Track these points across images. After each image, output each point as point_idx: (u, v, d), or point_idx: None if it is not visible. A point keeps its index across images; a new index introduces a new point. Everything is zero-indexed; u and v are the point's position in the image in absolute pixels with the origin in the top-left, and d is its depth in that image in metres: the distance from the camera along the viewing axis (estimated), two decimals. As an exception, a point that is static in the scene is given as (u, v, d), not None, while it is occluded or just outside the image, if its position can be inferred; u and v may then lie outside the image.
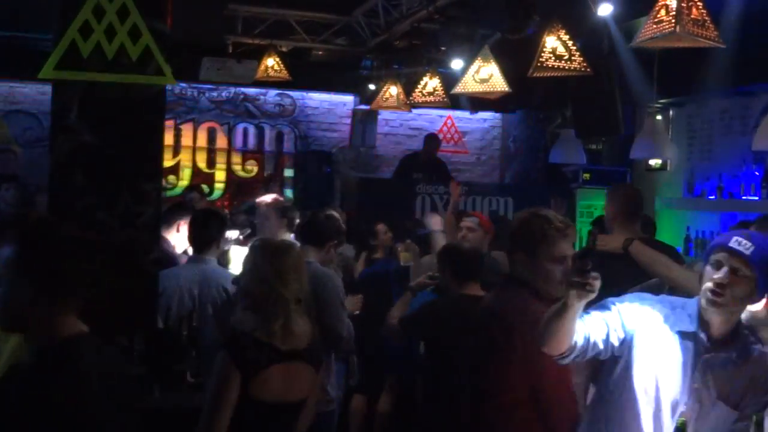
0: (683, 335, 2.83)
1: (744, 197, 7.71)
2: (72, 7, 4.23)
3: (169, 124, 10.93)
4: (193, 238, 5.02)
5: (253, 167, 11.88)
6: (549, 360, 2.82)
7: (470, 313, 4.24)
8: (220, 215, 5.36)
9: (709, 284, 2.76)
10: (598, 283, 2.53)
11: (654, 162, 9.45)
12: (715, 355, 2.82)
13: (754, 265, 2.70)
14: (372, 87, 9.85)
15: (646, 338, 2.84)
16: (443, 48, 8.16)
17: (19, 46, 9.06)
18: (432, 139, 10.80)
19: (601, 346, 2.82)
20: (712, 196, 8.16)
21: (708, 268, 2.80)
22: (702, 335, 2.81)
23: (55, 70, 4.24)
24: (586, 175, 9.77)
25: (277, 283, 3.25)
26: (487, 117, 12.54)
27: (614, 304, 2.90)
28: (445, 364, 4.26)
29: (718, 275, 2.73)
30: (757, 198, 7.53)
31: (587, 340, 2.77)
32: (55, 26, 4.27)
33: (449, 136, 12.47)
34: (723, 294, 2.72)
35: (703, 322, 2.82)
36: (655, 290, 4.35)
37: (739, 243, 2.72)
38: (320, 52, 9.76)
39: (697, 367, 2.81)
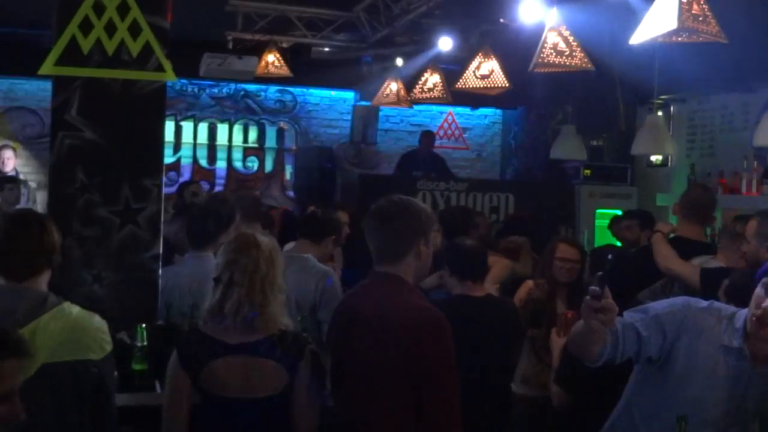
0: (727, 349, 2.75)
1: (745, 193, 7.71)
2: (72, 3, 4.23)
3: (170, 120, 10.93)
4: (191, 235, 5.02)
5: (253, 163, 11.88)
6: None
7: (466, 315, 4.24)
8: (218, 212, 5.35)
9: (756, 311, 2.68)
10: (612, 315, 2.54)
11: (655, 158, 9.46)
12: (758, 373, 2.74)
13: None
14: (372, 82, 9.85)
15: (687, 348, 2.77)
16: (443, 44, 8.14)
17: (20, 43, 9.04)
18: (427, 135, 10.81)
19: (631, 353, 2.81)
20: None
21: (759, 290, 2.70)
22: (747, 352, 2.73)
23: (55, 66, 4.24)
24: (587, 172, 9.77)
25: (225, 276, 3.22)
26: (488, 113, 12.53)
27: (655, 309, 2.84)
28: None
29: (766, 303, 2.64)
30: (757, 194, 7.53)
31: (615, 347, 2.76)
32: (55, 22, 4.26)
33: (450, 132, 12.46)
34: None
35: (752, 343, 2.73)
36: (660, 293, 4.40)
37: None
38: (321, 48, 9.74)
39: (739, 383, 2.74)
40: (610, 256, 2.40)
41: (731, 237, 4.53)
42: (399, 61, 7.90)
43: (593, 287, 2.54)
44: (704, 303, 2.88)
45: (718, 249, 4.69)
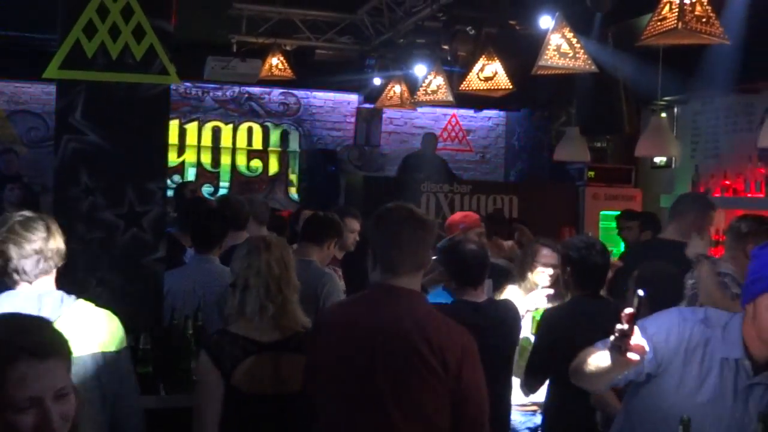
0: (726, 361, 2.69)
1: (749, 195, 7.70)
2: (76, 7, 4.23)
3: (174, 123, 10.94)
4: (195, 237, 5.03)
5: (257, 166, 11.89)
6: None
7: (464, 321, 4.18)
8: (221, 214, 5.37)
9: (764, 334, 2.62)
10: (637, 357, 2.44)
11: (659, 160, 9.46)
12: (759, 382, 2.68)
13: None
14: (376, 85, 9.86)
15: (684, 364, 2.72)
16: (447, 46, 8.15)
17: (24, 46, 9.06)
18: (429, 138, 10.81)
19: (632, 375, 2.78)
20: (717, 193, 8.14)
21: (765, 313, 2.62)
22: (746, 362, 2.67)
23: (59, 69, 4.24)
24: (591, 173, 9.77)
25: (241, 281, 3.32)
26: (492, 115, 12.54)
27: (649, 325, 2.76)
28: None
29: None
30: (762, 195, 7.52)
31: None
32: (60, 26, 4.27)
33: (453, 134, 12.47)
34: None
35: (746, 348, 2.68)
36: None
37: None
38: (324, 51, 9.76)
39: (738, 395, 2.68)
40: (641, 293, 2.29)
41: (736, 237, 4.50)
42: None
43: (622, 327, 2.40)
44: (699, 313, 2.82)
45: (724, 249, 4.66)
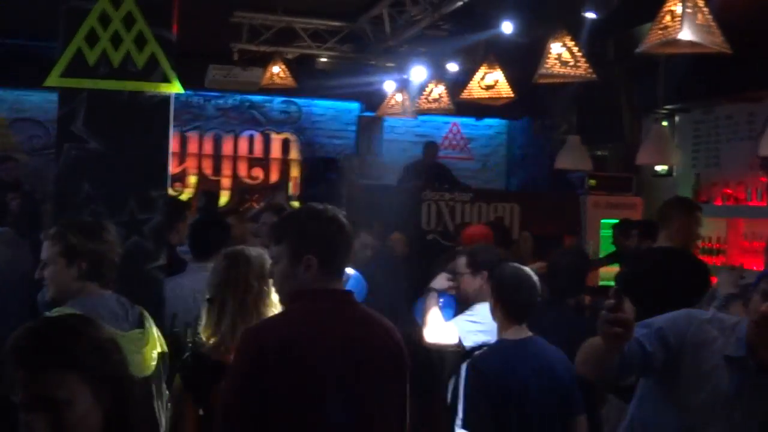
0: (731, 360, 2.70)
1: (750, 203, 7.70)
2: (78, 15, 4.24)
3: (175, 131, 10.95)
4: (193, 246, 5.03)
5: (258, 174, 11.90)
6: None
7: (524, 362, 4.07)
8: (220, 222, 5.38)
9: (754, 317, 2.65)
10: (630, 328, 2.47)
11: (660, 168, 9.45)
12: (763, 382, 2.69)
13: None
14: (377, 93, 9.87)
15: (691, 360, 2.74)
16: (448, 55, 8.17)
17: (26, 54, 9.08)
18: (430, 146, 10.82)
19: (638, 370, 2.80)
20: (718, 202, 8.14)
21: (756, 296, 2.68)
22: (751, 362, 2.68)
23: (61, 77, 4.25)
24: (592, 182, 9.76)
25: (217, 296, 3.20)
26: (493, 123, 12.55)
27: (659, 323, 2.80)
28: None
29: (764, 306, 2.60)
30: (763, 204, 7.51)
31: (623, 364, 2.73)
32: (61, 34, 4.27)
33: (455, 142, 12.48)
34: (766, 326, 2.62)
35: (755, 350, 2.68)
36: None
37: None
38: (326, 59, 9.77)
39: (742, 394, 2.69)
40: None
41: None
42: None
43: (609, 301, 2.49)
44: (707, 314, 2.85)
45: (765, 264, 4.54)
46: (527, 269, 3.92)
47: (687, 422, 2.72)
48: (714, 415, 2.70)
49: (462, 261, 4.60)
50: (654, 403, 2.85)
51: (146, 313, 3.31)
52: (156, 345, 3.25)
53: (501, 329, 3.79)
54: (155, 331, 3.29)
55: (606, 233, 9.28)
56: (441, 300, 4.69)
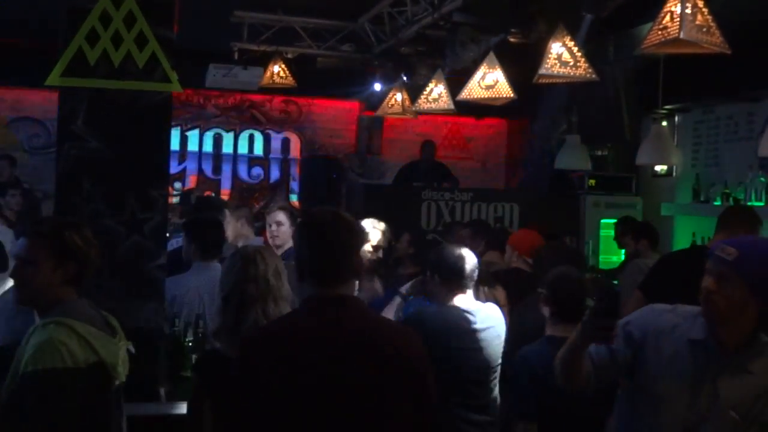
0: (694, 343, 2.79)
1: (749, 203, 7.70)
2: (79, 15, 4.25)
3: (175, 130, 10.96)
4: (200, 247, 5.05)
5: (258, 174, 11.91)
6: None
7: (456, 326, 4.18)
8: (218, 221, 5.40)
9: (701, 295, 2.79)
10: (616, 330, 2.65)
11: (660, 168, 9.46)
12: (726, 363, 2.77)
13: (738, 270, 2.71)
14: (377, 92, 9.87)
15: (655, 349, 2.83)
16: (448, 54, 8.16)
17: (27, 54, 9.08)
18: (428, 146, 10.82)
19: (610, 371, 2.90)
20: (717, 202, 8.14)
21: (705, 277, 2.82)
22: (713, 343, 2.77)
23: (61, 77, 4.25)
24: (592, 182, 9.76)
25: (235, 295, 3.18)
26: (493, 123, 12.55)
27: (625, 319, 2.91)
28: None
29: (705, 283, 2.76)
30: (762, 204, 7.51)
31: (595, 368, 2.86)
32: (62, 34, 4.28)
33: (454, 142, 12.48)
34: (711, 300, 2.74)
35: (714, 331, 2.78)
36: None
37: (722, 250, 2.75)
38: (326, 59, 9.78)
39: (707, 376, 2.76)
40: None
41: None
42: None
43: (598, 305, 2.61)
44: (670, 306, 2.97)
45: None
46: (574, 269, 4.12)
47: (655, 408, 2.80)
48: (681, 398, 2.77)
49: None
50: (629, 403, 2.93)
51: (114, 321, 3.14)
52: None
53: (548, 327, 3.94)
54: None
55: (605, 233, 9.29)
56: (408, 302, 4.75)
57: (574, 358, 2.81)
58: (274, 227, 6.02)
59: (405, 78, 8.91)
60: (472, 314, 4.21)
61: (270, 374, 2.53)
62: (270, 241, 6.05)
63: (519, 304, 4.78)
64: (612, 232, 8.55)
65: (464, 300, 4.26)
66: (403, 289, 4.83)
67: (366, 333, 2.62)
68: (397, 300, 4.78)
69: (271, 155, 11.94)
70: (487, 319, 4.28)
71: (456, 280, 4.26)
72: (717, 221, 5.35)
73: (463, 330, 4.15)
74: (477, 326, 4.20)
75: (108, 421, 2.94)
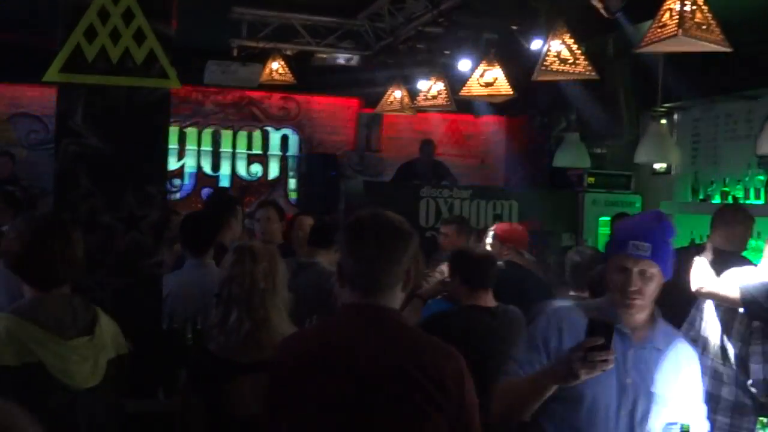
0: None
1: (748, 201, 7.70)
2: (77, 11, 4.24)
3: (174, 127, 10.94)
4: (187, 243, 5.03)
5: (257, 171, 11.90)
6: None
7: (481, 326, 4.18)
8: (210, 217, 5.39)
9: (623, 293, 2.81)
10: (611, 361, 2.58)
11: (658, 166, 9.45)
12: (641, 347, 2.84)
13: (656, 260, 2.80)
14: (376, 90, 9.86)
15: (555, 348, 2.82)
16: (448, 51, 8.15)
17: (24, 49, 9.06)
18: (427, 144, 10.81)
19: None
20: (716, 200, 8.14)
21: (614, 274, 2.84)
22: (625, 330, 2.82)
23: (60, 73, 4.24)
24: (591, 179, 9.77)
25: (225, 292, 3.14)
26: (492, 121, 12.54)
27: (538, 334, 2.90)
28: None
29: (632, 287, 2.78)
30: (761, 202, 7.52)
31: None
32: (60, 29, 4.27)
33: (453, 139, 12.47)
34: (638, 298, 2.80)
35: (622, 319, 2.84)
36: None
37: (637, 248, 2.78)
38: (325, 56, 9.76)
39: (626, 362, 2.80)
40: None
41: None
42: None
43: (593, 341, 2.55)
44: (571, 305, 3.05)
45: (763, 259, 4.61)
46: None
47: (586, 396, 2.78)
48: (607, 390, 2.76)
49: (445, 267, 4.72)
50: (555, 401, 2.87)
51: (102, 317, 3.06)
52: (109, 351, 3.01)
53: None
54: (108, 336, 3.03)
55: (604, 231, 9.29)
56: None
57: (538, 395, 2.73)
58: (263, 224, 6.04)
59: (404, 75, 8.90)
60: (494, 314, 4.23)
61: (285, 381, 2.47)
62: (259, 237, 6.07)
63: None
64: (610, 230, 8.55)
65: (486, 300, 4.28)
66: (423, 290, 4.87)
67: (393, 349, 2.43)
68: (417, 302, 4.80)
69: (270, 152, 11.93)
70: (510, 319, 4.29)
71: (477, 280, 4.28)
72: (712, 220, 5.37)
73: (486, 329, 4.16)
74: (499, 326, 4.21)
75: (50, 423, 2.84)
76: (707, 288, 4.44)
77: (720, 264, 4.58)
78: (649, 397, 2.80)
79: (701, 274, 4.50)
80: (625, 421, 2.78)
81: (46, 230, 3.02)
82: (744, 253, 5.29)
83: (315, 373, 2.42)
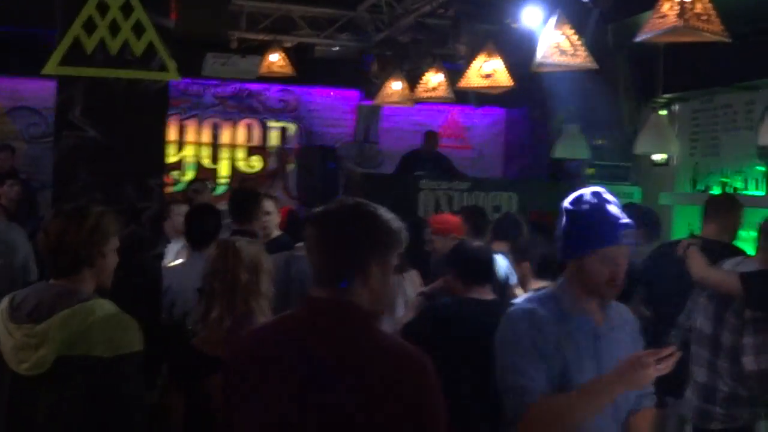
0: (574, 320, 2.79)
1: (748, 192, 7.70)
2: (76, 3, 4.24)
3: (173, 119, 10.94)
4: (190, 235, 5.03)
5: (256, 163, 11.89)
6: None
7: (474, 319, 4.17)
8: (215, 210, 5.39)
9: (610, 284, 2.75)
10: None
11: (658, 157, 9.45)
12: (606, 332, 2.81)
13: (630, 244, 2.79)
14: (376, 81, 9.86)
15: (551, 345, 2.76)
16: (447, 43, 8.15)
17: (24, 42, 9.05)
18: (431, 136, 10.78)
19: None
20: (715, 191, 8.14)
21: (602, 266, 2.75)
22: (591, 321, 2.79)
23: (59, 65, 4.24)
24: (590, 171, 9.76)
25: (207, 287, 3.13)
26: (491, 112, 12.53)
27: (526, 342, 2.78)
28: (449, 375, 3.90)
29: (621, 275, 2.74)
30: (761, 193, 7.52)
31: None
32: (60, 22, 4.27)
33: (452, 131, 12.46)
34: (618, 285, 2.76)
35: (589, 305, 2.81)
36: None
37: (628, 236, 2.75)
38: (324, 48, 9.76)
39: (600, 351, 2.77)
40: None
41: None
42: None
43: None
44: (524, 304, 2.89)
45: (758, 249, 4.61)
46: None
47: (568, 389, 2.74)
48: (590, 371, 2.72)
49: None
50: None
51: (68, 317, 2.87)
52: (57, 349, 2.83)
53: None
54: (62, 332, 2.84)
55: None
56: None
57: (604, 404, 2.69)
58: (262, 216, 6.04)
59: (403, 67, 8.90)
60: (487, 306, 4.21)
61: (234, 373, 2.33)
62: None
63: None
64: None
65: (481, 293, 4.26)
66: (427, 288, 4.86)
67: (346, 349, 2.20)
68: (418, 299, 4.80)
69: (269, 144, 11.92)
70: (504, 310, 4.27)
71: (470, 275, 4.27)
72: (704, 210, 5.34)
73: (475, 320, 4.15)
74: (491, 318, 4.18)
75: (8, 404, 2.86)
76: (708, 276, 4.44)
77: (712, 254, 4.58)
78: None
79: (700, 264, 4.50)
80: (608, 405, 2.75)
81: (47, 223, 3.02)
82: (746, 249, 5.28)
83: (260, 377, 2.25)
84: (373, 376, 2.16)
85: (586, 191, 2.95)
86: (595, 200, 2.87)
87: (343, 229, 2.28)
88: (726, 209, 5.28)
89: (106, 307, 2.98)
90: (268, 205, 6.01)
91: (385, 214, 2.32)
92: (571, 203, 2.92)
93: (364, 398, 2.14)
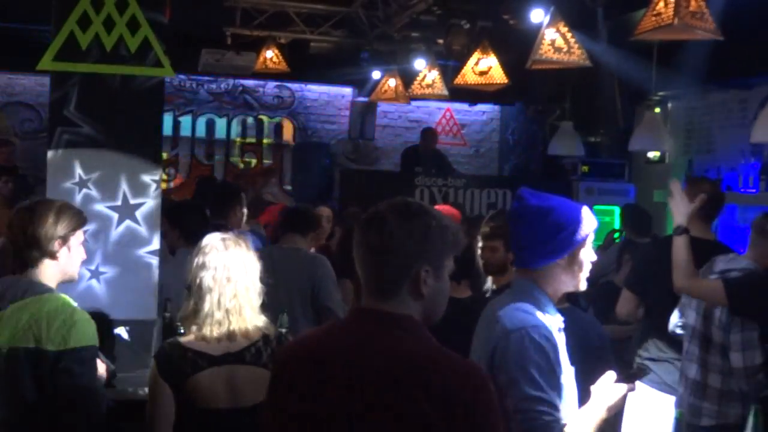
0: (559, 329, 2.75)
1: (742, 190, 7.72)
2: (70, -1, 4.23)
3: (168, 115, 10.93)
4: (182, 233, 5.03)
5: (251, 159, 11.89)
6: None
7: (448, 318, 4.13)
8: (199, 206, 5.39)
9: (582, 282, 2.87)
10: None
11: (652, 155, 9.47)
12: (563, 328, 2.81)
13: None
14: (371, 78, 9.86)
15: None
16: (442, 40, 8.15)
17: (18, 38, 9.03)
18: (429, 133, 10.77)
19: None
20: (710, 188, 8.15)
21: (585, 252, 2.92)
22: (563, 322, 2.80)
23: (53, 61, 4.24)
24: (585, 168, 9.78)
25: (195, 283, 3.08)
26: (486, 109, 12.54)
27: (542, 363, 2.64)
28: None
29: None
30: (755, 190, 7.54)
31: None
32: (54, 18, 4.26)
33: (448, 128, 12.47)
34: None
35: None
36: None
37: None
38: (319, 44, 9.75)
39: (568, 328, 2.80)
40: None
41: (761, 234, 4.44)
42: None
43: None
44: (535, 320, 2.72)
45: (749, 246, 4.59)
46: None
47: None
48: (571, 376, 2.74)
49: None
50: None
51: (18, 309, 2.90)
52: (7, 341, 2.88)
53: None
54: (8, 327, 2.88)
55: (599, 219, 9.29)
56: None
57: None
58: (240, 212, 6.08)
59: (398, 63, 8.89)
60: (461, 305, 4.17)
61: (278, 387, 2.25)
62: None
63: None
64: (606, 219, 8.57)
65: (458, 292, 4.22)
66: None
67: (396, 361, 2.09)
68: None
69: (264, 141, 11.92)
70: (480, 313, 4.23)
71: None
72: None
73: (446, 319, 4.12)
74: (463, 317, 4.15)
75: None
76: (690, 287, 4.39)
77: (698, 253, 4.54)
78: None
79: (683, 271, 4.44)
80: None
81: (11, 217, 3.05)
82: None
83: (306, 386, 2.17)
84: (432, 393, 2.04)
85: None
86: (570, 205, 2.99)
87: (392, 234, 2.13)
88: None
89: (59, 301, 2.98)
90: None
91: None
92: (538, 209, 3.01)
93: (425, 417, 2.02)
